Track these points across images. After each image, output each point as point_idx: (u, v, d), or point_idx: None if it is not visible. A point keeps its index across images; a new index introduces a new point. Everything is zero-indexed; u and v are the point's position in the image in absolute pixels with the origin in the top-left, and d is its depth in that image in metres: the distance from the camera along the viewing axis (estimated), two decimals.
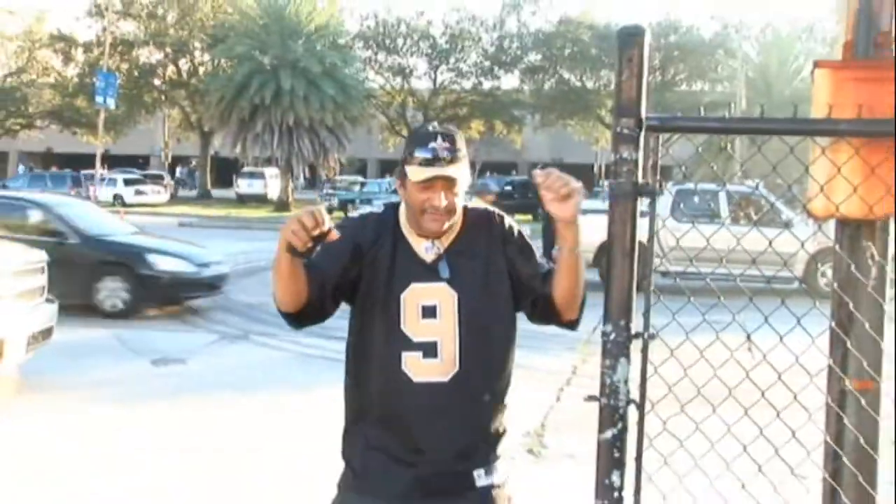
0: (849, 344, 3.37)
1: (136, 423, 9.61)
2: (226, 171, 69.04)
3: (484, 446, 3.69)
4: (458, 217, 3.62)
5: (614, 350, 3.10)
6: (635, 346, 3.12)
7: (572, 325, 3.79)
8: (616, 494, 3.22)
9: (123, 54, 66.33)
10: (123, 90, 60.17)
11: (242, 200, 63.34)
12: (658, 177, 3.09)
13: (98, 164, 56.53)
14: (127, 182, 60.97)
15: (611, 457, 3.20)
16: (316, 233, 3.22)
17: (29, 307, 10.39)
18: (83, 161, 65.46)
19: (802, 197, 3.54)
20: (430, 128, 3.53)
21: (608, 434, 3.19)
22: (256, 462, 8.28)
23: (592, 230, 21.00)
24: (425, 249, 3.57)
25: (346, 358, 3.71)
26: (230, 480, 7.82)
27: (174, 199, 62.46)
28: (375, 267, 3.54)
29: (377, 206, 3.79)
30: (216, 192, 67.93)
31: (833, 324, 3.42)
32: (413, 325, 3.50)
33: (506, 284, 3.65)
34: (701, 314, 3.54)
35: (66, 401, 10.42)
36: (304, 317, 3.55)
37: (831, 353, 3.44)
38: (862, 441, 3.40)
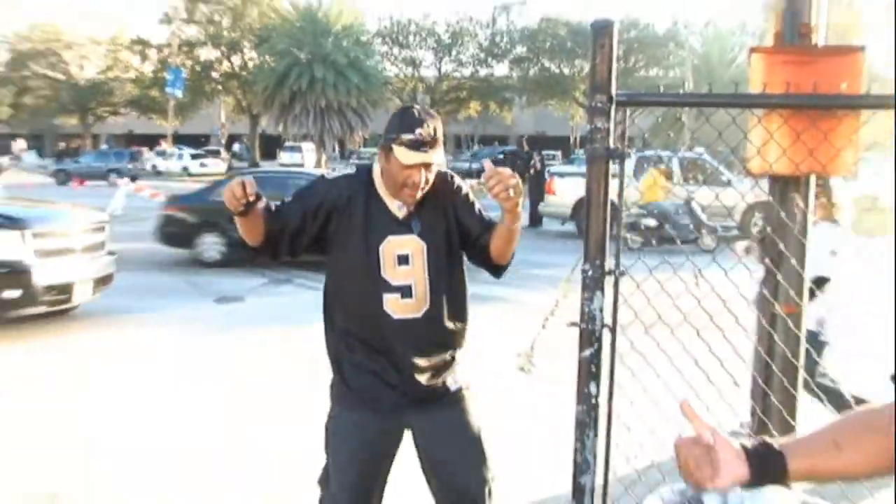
0: (779, 277, 3.41)
1: (202, 348, 9.63)
2: (271, 146, 68.97)
3: (452, 362, 3.73)
4: None
5: (591, 284, 3.13)
6: (609, 282, 3.16)
7: (499, 270, 3.78)
8: (593, 401, 3.26)
9: (188, 53, 66.78)
10: (188, 82, 60.60)
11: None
12: (626, 143, 3.12)
13: (169, 141, 56.97)
14: (193, 156, 61.43)
15: (589, 371, 3.24)
16: (244, 200, 3.30)
17: (93, 258, 10.59)
18: (157, 140, 65.88)
19: (739, 161, 3.55)
20: (416, 112, 3.47)
21: (587, 352, 3.22)
22: (303, 377, 8.30)
23: (570, 190, 21.02)
24: (398, 207, 3.52)
25: (324, 302, 3.68)
26: (278, 397, 7.84)
27: (230, 170, 62.55)
28: (352, 222, 3.51)
29: (349, 171, 3.72)
30: (263, 164, 68.10)
31: (766, 260, 3.45)
32: (391, 271, 3.49)
33: (457, 234, 3.65)
34: (662, 256, 3.57)
35: (141, 331, 10.46)
36: (265, 250, 3.59)
37: (764, 284, 3.48)
38: (788, 354, 3.44)
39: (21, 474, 5.80)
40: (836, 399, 4.77)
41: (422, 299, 3.52)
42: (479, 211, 3.67)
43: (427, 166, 3.42)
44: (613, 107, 3.07)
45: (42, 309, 9.99)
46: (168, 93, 53.26)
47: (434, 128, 3.41)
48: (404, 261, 3.50)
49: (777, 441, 1.78)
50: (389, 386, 3.53)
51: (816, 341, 5.65)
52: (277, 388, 8.08)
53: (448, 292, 3.59)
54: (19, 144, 68.49)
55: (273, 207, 3.54)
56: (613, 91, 3.05)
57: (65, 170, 50.10)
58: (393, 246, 3.49)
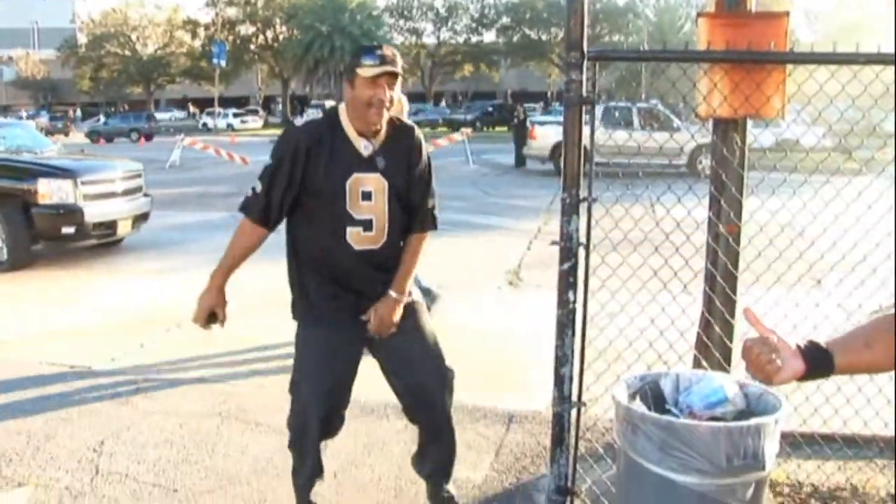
0: (721, 202, 3.41)
1: (252, 270, 9.59)
2: (300, 104, 68.93)
3: None
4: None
5: (569, 209, 3.13)
6: (583, 208, 3.16)
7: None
8: (571, 306, 3.28)
9: (229, 30, 66.95)
10: (230, 54, 60.57)
11: None
12: (596, 92, 3.09)
13: (216, 103, 57.01)
14: (235, 115, 61.48)
15: (567, 281, 3.25)
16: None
17: (131, 200, 10.76)
18: (206, 103, 65.80)
19: (687, 109, 3.54)
20: (375, 44, 3.33)
21: (565, 266, 3.23)
22: None
23: (548, 136, 20.82)
24: (364, 146, 3.21)
25: (289, 234, 3.38)
26: None
27: (266, 125, 62.53)
28: (319, 162, 3.18)
29: (317, 116, 3.38)
30: (294, 118, 68.34)
31: (711, 189, 3.45)
32: (355, 206, 3.21)
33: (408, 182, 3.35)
34: (626, 187, 3.56)
35: (199, 258, 10.44)
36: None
37: (710, 208, 3.48)
38: (729, 265, 3.45)
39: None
40: None
41: (380, 232, 3.27)
42: (428, 183, 3.39)
43: (391, 81, 3.14)
44: (585, 61, 3.05)
45: (92, 241, 10.35)
46: (214, 63, 53.21)
47: (393, 50, 3.18)
48: (367, 197, 3.22)
49: (824, 340, 1.79)
50: (349, 305, 3.32)
51: None
52: None
53: (402, 225, 3.33)
54: (76, 111, 68.87)
55: (269, 203, 3.22)
56: (585, 48, 3.02)
57: (97, 131, 50.86)
58: (358, 182, 3.21)
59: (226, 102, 67.12)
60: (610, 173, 3.58)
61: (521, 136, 24.08)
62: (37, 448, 4.41)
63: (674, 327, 3.70)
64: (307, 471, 3.49)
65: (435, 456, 3.55)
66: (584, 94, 3.07)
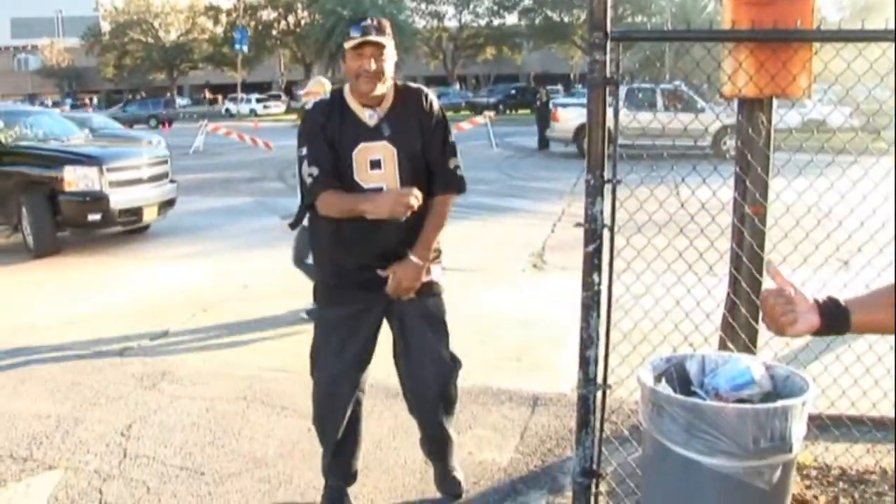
0: (747, 182, 3.37)
1: (276, 254, 9.62)
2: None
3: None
4: (389, 85, 3.23)
5: (593, 191, 3.11)
6: (607, 189, 3.13)
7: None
8: (596, 288, 3.26)
9: (251, 15, 66.87)
10: (252, 39, 60.51)
11: None
12: (619, 73, 3.06)
13: (239, 89, 57.22)
14: (258, 100, 61.52)
15: (592, 263, 3.23)
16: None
17: (157, 186, 10.76)
18: (229, 89, 66.00)
19: (711, 89, 3.49)
20: (361, 16, 3.31)
21: (590, 248, 3.21)
22: None
23: (571, 118, 20.70)
24: (369, 116, 3.21)
25: (310, 214, 3.34)
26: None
27: (288, 110, 62.61)
28: (332, 134, 3.19)
29: (326, 95, 3.39)
30: None
31: (737, 169, 3.41)
32: (363, 175, 3.19)
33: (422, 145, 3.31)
34: (650, 168, 3.54)
35: (223, 243, 10.51)
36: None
37: (736, 189, 3.44)
38: (755, 246, 3.42)
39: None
40: None
41: None
42: (444, 141, 3.32)
43: (376, 51, 3.11)
44: (609, 42, 3.02)
45: (119, 228, 10.40)
46: (236, 49, 53.35)
47: (379, 20, 3.15)
48: (376, 165, 3.20)
49: (842, 298, 1.77)
50: (367, 280, 3.27)
51: None
52: None
53: (424, 193, 3.21)
54: (93, 99, 69.21)
55: (328, 171, 3.20)
56: (609, 28, 2.99)
57: (116, 118, 51.22)
58: (365, 152, 3.19)
59: (248, 88, 67.26)
60: (634, 155, 3.55)
61: (544, 118, 23.99)
62: (66, 432, 4.46)
63: (699, 309, 3.67)
64: (327, 453, 3.56)
65: (426, 441, 3.69)
66: (608, 74, 3.04)
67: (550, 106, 23.82)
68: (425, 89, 3.36)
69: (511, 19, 69.47)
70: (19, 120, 11.10)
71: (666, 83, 22.71)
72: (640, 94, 20.48)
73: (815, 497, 3.47)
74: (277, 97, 66.70)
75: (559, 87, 58.24)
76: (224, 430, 4.47)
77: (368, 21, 3.13)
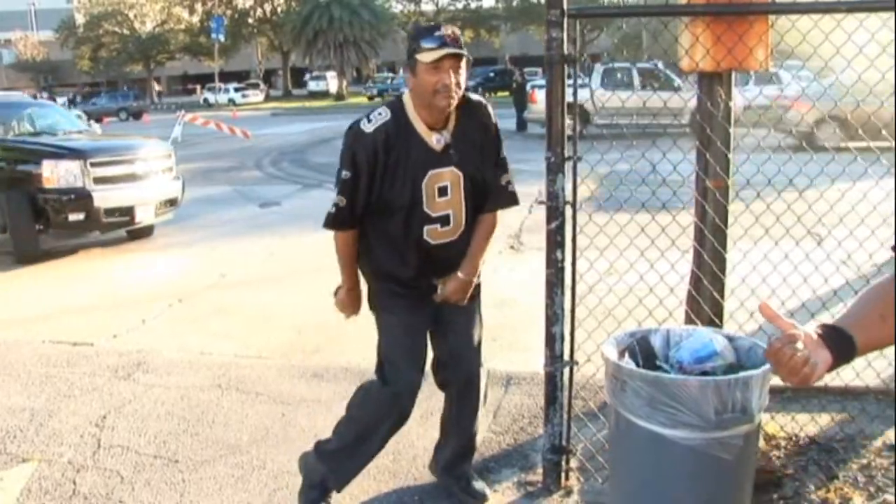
0: (707, 156, 3.38)
1: (253, 243, 9.62)
2: (301, 76, 68.60)
3: None
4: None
5: (553, 168, 3.13)
6: (568, 167, 3.14)
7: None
8: (559, 265, 3.28)
9: (227, 4, 66.58)
10: (229, 28, 60.14)
11: (312, 95, 63.26)
12: (578, 48, 3.06)
13: (216, 78, 57.02)
14: (236, 89, 61.08)
15: (555, 240, 3.25)
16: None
17: (155, 183, 9.60)
18: (207, 78, 65.63)
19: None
20: (431, 23, 3.21)
21: (552, 225, 3.23)
22: (331, 260, 8.27)
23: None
24: (436, 141, 3.01)
25: (363, 236, 3.19)
26: (314, 275, 7.84)
27: (268, 98, 62.33)
28: (396, 171, 3.00)
29: (382, 112, 3.04)
30: (295, 91, 67.95)
31: (697, 143, 3.43)
32: (432, 204, 3.06)
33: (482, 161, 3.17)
34: (610, 143, 3.54)
35: (201, 232, 10.47)
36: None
37: (697, 164, 3.46)
38: (717, 220, 3.43)
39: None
40: None
41: (458, 225, 3.13)
42: (498, 157, 3.19)
43: (455, 63, 2.90)
44: (566, 19, 3.02)
45: (106, 230, 9.39)
46: (213, 38, 53.03)
47: (453, 29, 2.94)
48: (444, 192, 3.06)
49: (839, 323, 1.67)
50: (425, 291, 3.22)
51: None
52: (300, 263, 8.09)
53: (478, 212, 3.18)
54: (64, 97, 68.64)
55: (356, 210, 3.08)
56: (565, 6, 3.00)
57: (86, 112, 50.32)
58: (434, 179, 3.04)
59: (226, 77, 66.86)
60: (617, 135, 3.54)
61: (520, 100, 23.95)
62: (40, 424, 4.44)
63: (664, 283, 3.69)
64: (357, 459, 3.37)
65: (460, 421, 3.50)
66: (566, 51, 3.04)
67: (527, 88, 23.79)
68: (484, 101, 3.20)
69: (488, 2, 69.36)
70: (14, 113, 10.18)
71: (644, 62, 22.71)
72: (618, 74, 20.49)
73: (784, 466, 3.50)
74: (256, 86, 66.36)
75: (538, 69, 58.22)
76: (198, 418, 4.47)
77: (443, 30, 2.92)
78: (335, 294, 3.35)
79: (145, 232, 10.01)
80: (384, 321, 3.29)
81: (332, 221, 3.14)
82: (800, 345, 1.59)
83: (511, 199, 3.22)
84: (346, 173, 3.04)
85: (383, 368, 3.28)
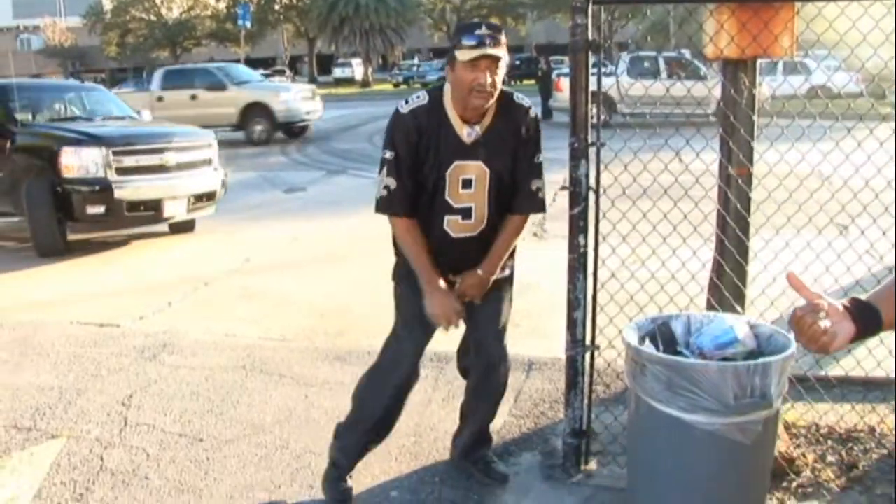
0: (731, 144, 3.39)
1: (278, 228, 9.69)
2: (326, 63, 68.72)
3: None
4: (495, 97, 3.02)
5: (577, 154, 3.15)
6: (592, 152, 3.16)
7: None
8: (581, 250, 3.31)
9: None
10: (255, 14, 60.30)
11: (338, 82, 63.44)
12: (603, 35, 3.08)
13: (242, 65, 57.24)
14: (262, 76, 61.25)
15: (577, 225, 3.28)
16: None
17: (189, 174, 8.83)
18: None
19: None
20: (473, 19, 3.20)
21: (575, 210, 3.25)
22: (355, 246, 8.34)
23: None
24: (467, 134, 3.03)
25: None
26: (339, 261, 7.92)
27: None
28: (427, 152, 3.04)
29: (420, 96, 3.12)
30: (320, 78, 68.17)
31: (721, 132, 3.44)
32: (454, 195, 3.08)
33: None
34: (633, 129, 3.55)
35: (227, 217, 10.54)
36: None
37: (720, 151, 3.47)
38: (739, 207, 3.45)
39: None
40: None
41: (479, 220, 3.14)
42: (532, 161, 3.15)
43: (492, 64, 2.89)
44: (591, 6, 3.04)
45: (129, 224, 8.80)
46: (239, 25, 53.29)
47: (493, 28, 2.91)
48: (468, 185, 3.08)
49: (868, 298, 1.70)
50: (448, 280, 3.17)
51: None
52: (324, 249, 8.14)
53: (502, 212, 3.17)
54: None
55: (408, 191, 3.08)
56: None
57: None
58: (459, 170, 3.06)
59: (252, 63, 67.14)
60: (643, 124, 3.54)
61: (546, 88, 23.93)
62: (69, 403, 4.53)
63: (685, 270, 3.71)
64: (365, 423, 3.40)
65: (478, 409, 3.53)
66: (590, 38, 3.06)
67: (553, 76, 23.74)
68: (528, 103, 3.15)
69: None
70: (54, 97, 9.69)
71: (670, 51, 22.60)
72: (644, 63, 20.41)
73: (804, 455, 3.51)
74: (282, 72, 66.51)
75: (564, 58, 57.93)
76: (223, 399, 4.54)
77: (483, 29, 2.90)
78: (426, 309, 3.13)
79: (186, 226, 9.42)
80: (402, 291, 3.31)
81: (382, 204, 3.11)
82: (822, 314, 1.63)
83: (538, 206, 3.20)
84: (388, 153, 3.07)
85: (396, 327, 3.34)
